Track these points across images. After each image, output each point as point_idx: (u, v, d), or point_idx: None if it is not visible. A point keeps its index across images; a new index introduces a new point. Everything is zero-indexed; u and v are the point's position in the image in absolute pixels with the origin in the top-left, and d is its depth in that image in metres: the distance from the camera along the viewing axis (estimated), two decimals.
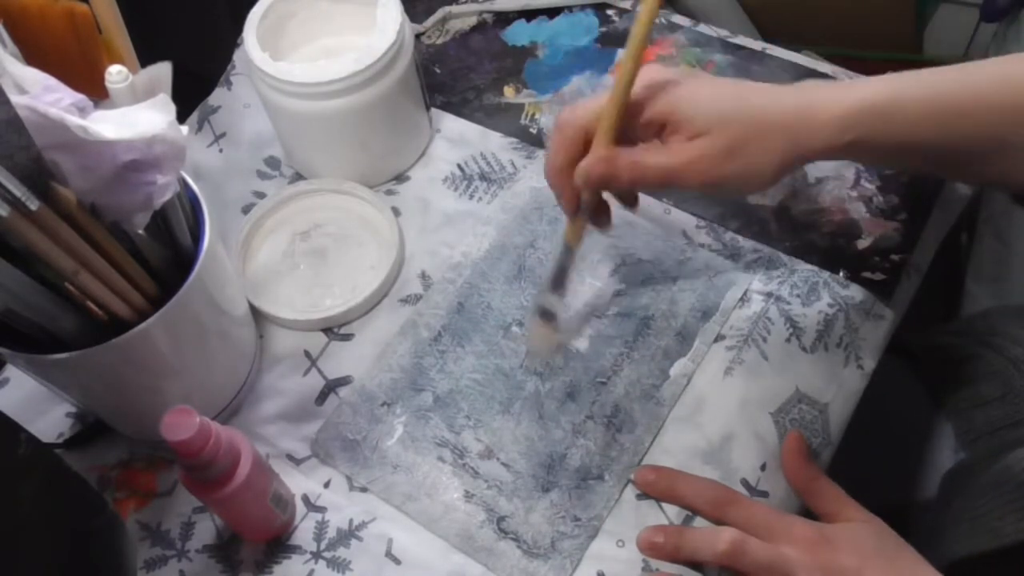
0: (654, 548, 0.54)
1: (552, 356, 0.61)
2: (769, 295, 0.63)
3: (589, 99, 0.52)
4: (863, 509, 0.55)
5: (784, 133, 0.49)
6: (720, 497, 0.55)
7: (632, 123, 0.51)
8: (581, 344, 0.62)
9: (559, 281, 0.59)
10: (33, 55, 0.56)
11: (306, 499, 0.58)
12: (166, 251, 0.52)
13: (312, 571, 0.56)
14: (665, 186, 0.51)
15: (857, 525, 0.54)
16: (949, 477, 0.67)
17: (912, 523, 0.67)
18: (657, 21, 0.79)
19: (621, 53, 0.63)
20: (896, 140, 0.49)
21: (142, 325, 0.48)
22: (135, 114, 0.45)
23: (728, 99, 0.50)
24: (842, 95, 0.49)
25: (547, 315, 0.60)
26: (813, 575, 0.50)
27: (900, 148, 0.50)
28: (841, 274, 0.64)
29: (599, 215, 0.56)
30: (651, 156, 0.50)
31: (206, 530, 0.58)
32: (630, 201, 0.58)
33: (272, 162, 0.73)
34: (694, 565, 0.54)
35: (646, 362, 0.61)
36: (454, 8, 0.80)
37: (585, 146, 0.51)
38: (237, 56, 0.78)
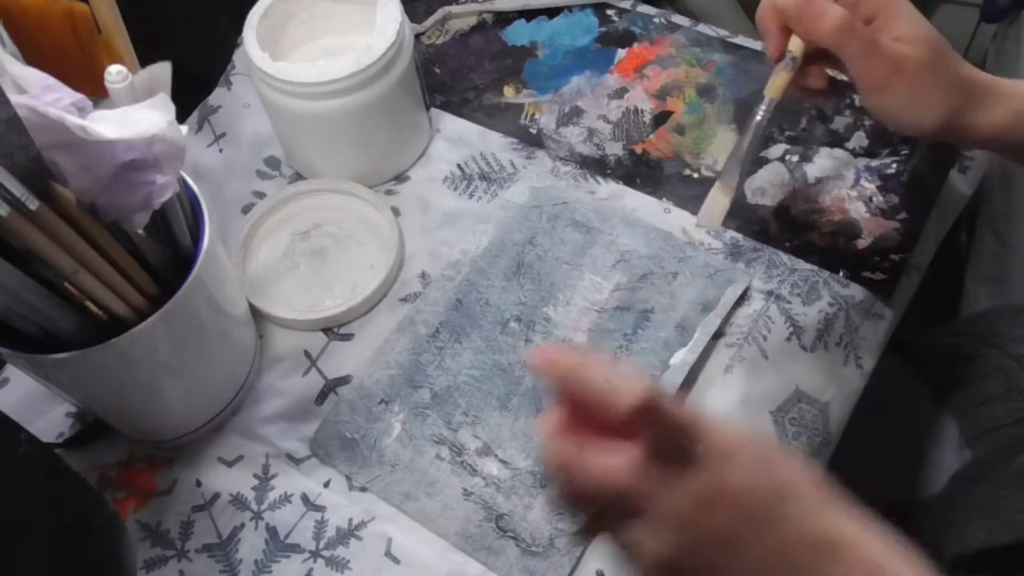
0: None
1: (720, 222, 0.56)
2: (769, 294, 0.63)
3: None
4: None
5: (963, 92, 0.50)
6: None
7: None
8: (579, 338, 0.62)
9: (754, 141, 0.54)
10: (33, 55, 0.56)
11: (305, 498, 0.58)
12: (166, 251, 0.52)
13: (311, 570, 0.56)
14: (858, 56, 0.49)
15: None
16: (960, 474, 0.67)
17: (914, 520, 0.67)
18: (657, 21, 0.79)
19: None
20: None
21: (142, 325, 0.48)
22: (135, 114, 0.45)
23: (935, 33, 0.50)
24: (1020, 85, 0.51)
25: (729, 178, 0.55)
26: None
27: None
28: (841, 273, 0.64)
29: (809, 77, 0.53)
30: (857, 22, 0.49)
31: (206, 530, 0.58)
32: (820, 88, 0.54)
33: (272, 162, 0.73)
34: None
35: (646, 354, 0.61)
36: (454, 8, 0.80)
37: None
38: (237, 56, 0.78)
